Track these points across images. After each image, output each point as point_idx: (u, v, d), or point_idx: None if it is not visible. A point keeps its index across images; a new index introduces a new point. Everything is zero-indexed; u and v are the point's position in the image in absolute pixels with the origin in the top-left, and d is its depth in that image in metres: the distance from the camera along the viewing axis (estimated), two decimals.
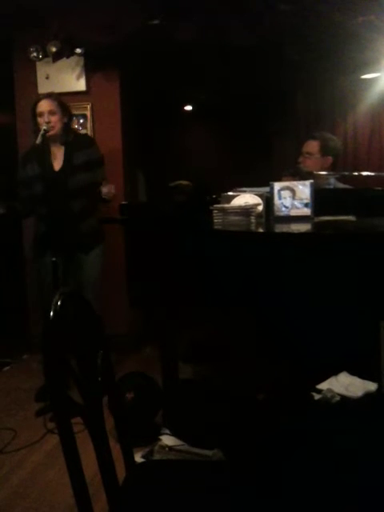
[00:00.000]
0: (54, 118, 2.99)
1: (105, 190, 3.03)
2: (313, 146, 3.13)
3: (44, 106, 2.99)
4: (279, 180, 2.41)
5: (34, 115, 3.02)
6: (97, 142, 3.29)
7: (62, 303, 1.17)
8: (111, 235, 3.45)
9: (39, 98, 3.07)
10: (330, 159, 3.13)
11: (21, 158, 3.22)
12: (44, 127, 2.88)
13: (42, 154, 3.00)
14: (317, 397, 1.75)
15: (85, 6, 3.48)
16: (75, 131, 3.39)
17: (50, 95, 3.08)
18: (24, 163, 3.12)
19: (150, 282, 2.53)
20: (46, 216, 3.00)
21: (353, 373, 1.83)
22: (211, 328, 2.58)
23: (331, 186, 3.11)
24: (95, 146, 3.21)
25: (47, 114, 2.97)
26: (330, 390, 1.75)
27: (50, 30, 3.63)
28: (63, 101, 3.11)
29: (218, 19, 3.32)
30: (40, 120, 2.98)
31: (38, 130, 2.93)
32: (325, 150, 3.13)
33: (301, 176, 2.86)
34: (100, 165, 3.18)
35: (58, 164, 3.07)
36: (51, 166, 3.05)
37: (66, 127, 3.08)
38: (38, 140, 2.85)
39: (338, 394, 1.74)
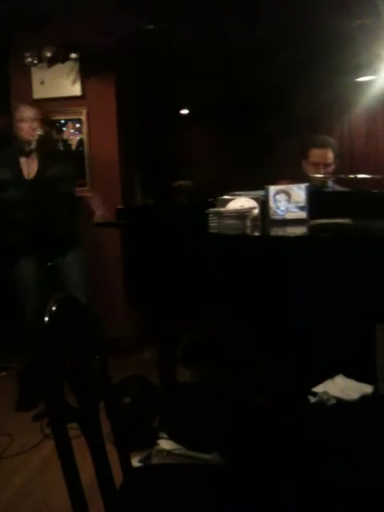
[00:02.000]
0: (35, 125, 2.98)
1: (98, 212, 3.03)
2: (329, 155, 3.08)
3: (27, 111, 3.01)
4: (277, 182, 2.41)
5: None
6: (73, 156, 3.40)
7: (57, 308, 1.18)
8: (107, 238, 3.46)
9: (19, 104, 3.11)
10: (338, 162, 3.14)
11: None
12: (39, 132, 2.90)
13: (11, 159, 3.02)
14: (312, 400, 1.75)
15: (80, 10, 3.49)
16: (52, 142, 3.42)
17: (30, 103, 3.18)
18: None
19: (148, 286, 2.52)
20: (20, 223, 2.99)
21: (349, 375, 1.84)
22: (209, 331, 2.58)
23: (330, 189, 3.11)
24: (70, 161, 3.28)
25: (31, 121, 2.98)
26: (325, 393, 1.75)
27: (45, 36, 3.64)
28: (45, 111, 3.17)
29: (215, 21, 3.33)
30: (22, 125, 2.98)
31: (16, 135, 3.02)
32: (337, 156, 3.12)
33: (298, 179, 2.86)
34: (73, 178, 3.24)
35: (30, 172, 3.02)
36: (22, 172, 3.02)
37: (41, 138, 3.01)
38: (33, 145, 2.88)
39: (334, 397, 1.74)
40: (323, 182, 3.05)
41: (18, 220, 3.00)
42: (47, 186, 2.96)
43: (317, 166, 3.08)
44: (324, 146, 3.11)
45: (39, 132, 2.91)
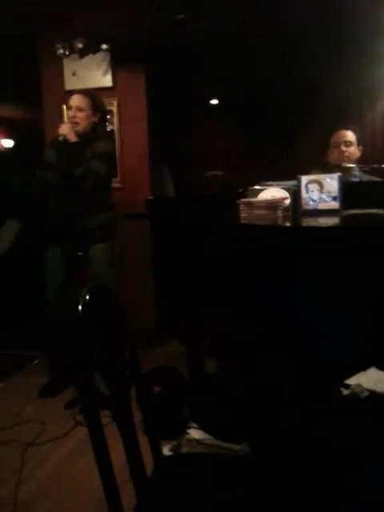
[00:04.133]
0: (80, 114, 3.01)
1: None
2: (351, 135, 3.10)
3: (74, 100, 3.04)
4: (307, 173, 2.38)
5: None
6: (112, 139, 3.31)
7: (89, 297, 1.19)
8: (137, 229, 3.47)
9: (74, 92, 3.14)
10: (361, 149, 3.13)
11: (49, 141, 3.28)
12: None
13: (64, 145, 3.03)
14: (345, 392, 1.73)
15: (108, 0, 3.48)
16: (102, 130, 3.37)
17: (83, 91, 3.15)
18: (49, 147, 3.18)
19: (175, 279, 2.53)
20: (54, 208, 3.07)
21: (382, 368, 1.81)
22: (236, 323, 2.57)
23: (357, 179, 3.06)
24: (106, 142, 3.11)
25: (74, 109, 3.01)
26: (358, 386, 1.73)
27: (74, 27, 3.65)
28: (98, 99, 3.12)
29: (242, 13, 3.30)
30: (68, 113, 3.05)
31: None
32: (359, 141, 3.12)
33: (328, 169, 2.82)
34: (103, 159, 3.00)
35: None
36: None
37: (94, 126, 3.08)
38: (61, 137, 2.93)
39: (367, 390, 1.72)
40: (348, 170, 3.01)
41: (52, 207, 3.07)
42: (79, 168, 2.95)
43: (337, 146, 3.09)
44: (344, 127, 3.13)
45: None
